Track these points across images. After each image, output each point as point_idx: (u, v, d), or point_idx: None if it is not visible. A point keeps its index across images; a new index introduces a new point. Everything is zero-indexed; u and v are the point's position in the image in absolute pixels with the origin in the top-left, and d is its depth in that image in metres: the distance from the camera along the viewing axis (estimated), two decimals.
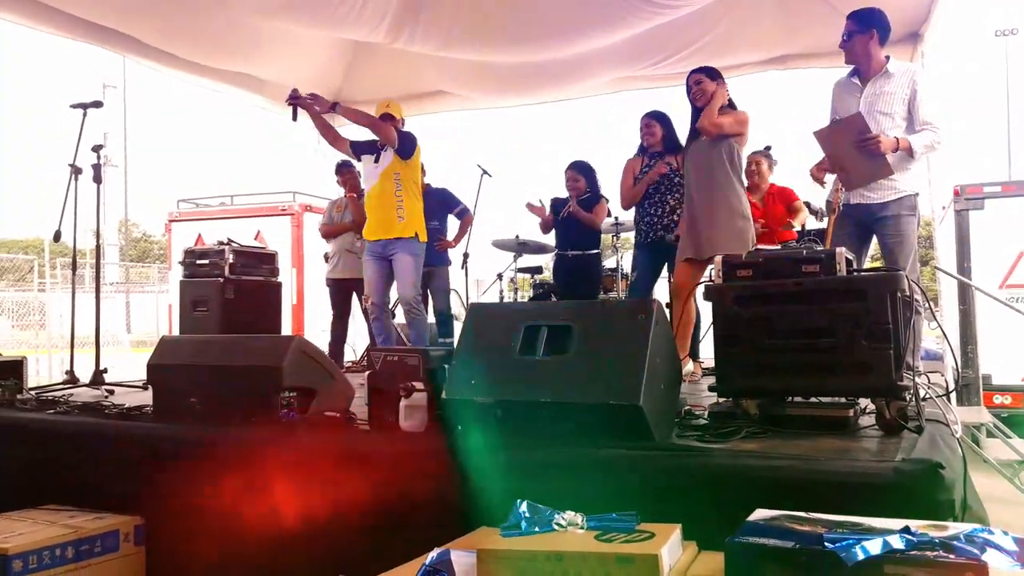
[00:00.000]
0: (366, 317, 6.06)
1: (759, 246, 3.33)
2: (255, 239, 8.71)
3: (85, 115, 5.08)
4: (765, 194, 5.73)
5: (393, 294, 5.68)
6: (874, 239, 4.25)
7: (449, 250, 6.71)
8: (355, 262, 6.34)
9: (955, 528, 1.69)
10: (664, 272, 5.43)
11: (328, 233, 6.64)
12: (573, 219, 6.04)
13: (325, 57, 7.75)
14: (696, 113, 4.66)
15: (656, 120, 5.32)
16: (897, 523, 1.70)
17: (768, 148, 5.90)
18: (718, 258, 3.08)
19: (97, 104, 5.20)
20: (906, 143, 3.99)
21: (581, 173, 6.14)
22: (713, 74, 4.65)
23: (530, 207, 6.35)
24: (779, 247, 3.30)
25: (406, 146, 5.32)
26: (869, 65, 4.18)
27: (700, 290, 4.27)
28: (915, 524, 1.68)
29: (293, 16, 6.16)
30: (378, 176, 5.35)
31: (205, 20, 6.27)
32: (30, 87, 70.91)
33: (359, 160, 5.59)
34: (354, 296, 6.50)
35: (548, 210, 6.31)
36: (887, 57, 4.20)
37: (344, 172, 6.64)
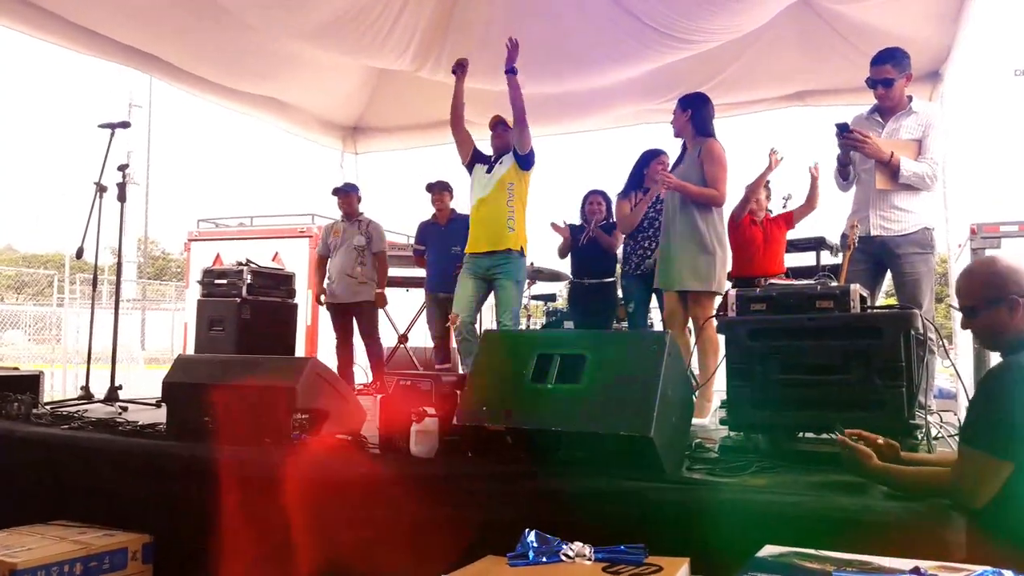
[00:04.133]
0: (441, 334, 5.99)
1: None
2: (273, 260, 8.77)
3: (112, 135, 5.16)
4: (766, 219, 5.71)
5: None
6: (888, 275, 4.22)
7: None
8: (353, 286, 6.34)
9: (966, 569, 1.67)
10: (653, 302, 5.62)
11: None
12: (591, 247, 6.06)
13: (349, 83, 7.88)
14: (682, 149, 4.75)
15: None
16: (907, 563, 1.69)
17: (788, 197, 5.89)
18: (731, 291, 3.09)
19: (125, 124, 5.28)
20: (896, 160, 3.98)
21: (604, 199, 6.19)
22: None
23: (555, 227, 6.37)
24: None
25: (532, 156, 5.22)
26: (897, 105, 4.17)
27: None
28: (925, 564, 1.68)
29: (321, 42, 6.28)
30: (491, 186, 5.20)
31: (235, 44, 6.40)
32: (56, 105, 72.11)
33: (469, 168, 5.44)
34: (354, 320, 6.47)
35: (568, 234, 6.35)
36: (910, 97, 4.21)
37: (340, 195, 6.56)
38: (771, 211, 5.73)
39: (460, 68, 5.31)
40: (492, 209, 5.18)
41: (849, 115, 4.50)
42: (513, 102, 5.07)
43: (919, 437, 2.75)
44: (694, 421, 4.03)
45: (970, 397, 2.30)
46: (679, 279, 4.51)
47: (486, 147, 5.49)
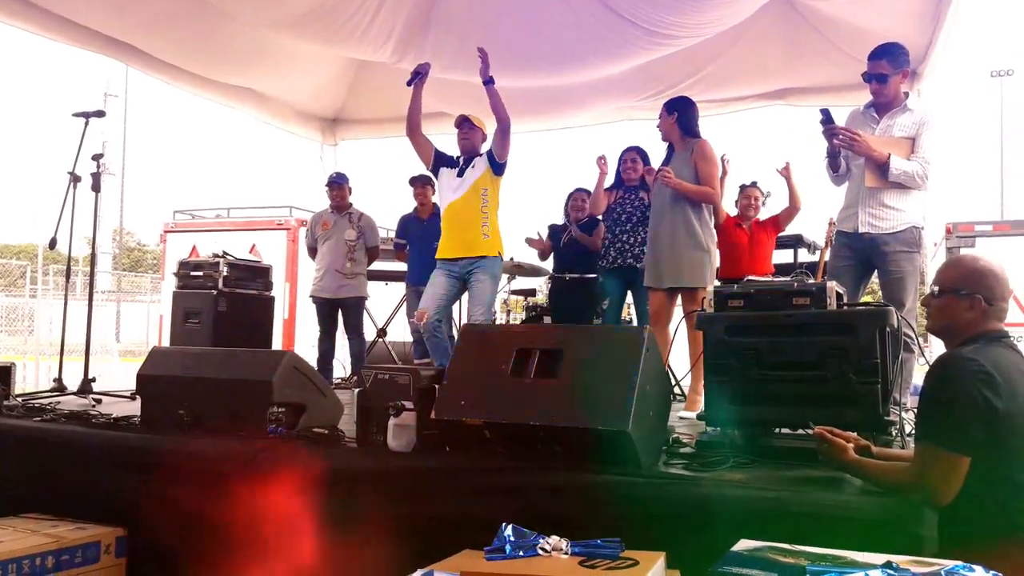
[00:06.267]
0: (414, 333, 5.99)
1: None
2: (250, 252, 8.71)
3: (87, 124, 5.08)
4: (753, 223, 5.75)
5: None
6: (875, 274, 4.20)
7: None
8: (340, 281, 6.31)
9: (937, 564, 1.69)
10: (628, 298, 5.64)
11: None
12: (573, 243, 6.09)
13: (328, 74, 7.83)
14: (670, 148, 4.77)
15: (639, 155, 5.45)
16: (880, 557, 1.71)
17: (755, 183, 5.93)
18: (710, 287, 3.11)
19: (100, 114, 5.20)
20: (884, 156, 3.91)
21: (589, 197, 6.20)
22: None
23: (529, 242, 6.40)
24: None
25: (506, 163, 5.10)
26: (892, 101, 4.11)
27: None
28: (898, 559, 1.69)
29: (300, 32, 6.22)
30: (464, 190, 5.02)
31: (212, 34, 6.33)
32: (31, 94, 71.04)
33: (434, 172, 5.31)
34: (340, 313, 6.45)
35: (546, 238, 6.36)
36: (906, 93, 4.16)
37: (334, 187, 6.55)
38: (759, 218, 5.77)
39: (418, 76, 5.13)
40: (465, 215, 5.03)
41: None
42: (496, 113, 4.96)
43: (893, 433, 2.78)
44: (685, 414, 4.06)
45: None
46: (673, 276, 4.54)
47: (445, 146, 5.39)
